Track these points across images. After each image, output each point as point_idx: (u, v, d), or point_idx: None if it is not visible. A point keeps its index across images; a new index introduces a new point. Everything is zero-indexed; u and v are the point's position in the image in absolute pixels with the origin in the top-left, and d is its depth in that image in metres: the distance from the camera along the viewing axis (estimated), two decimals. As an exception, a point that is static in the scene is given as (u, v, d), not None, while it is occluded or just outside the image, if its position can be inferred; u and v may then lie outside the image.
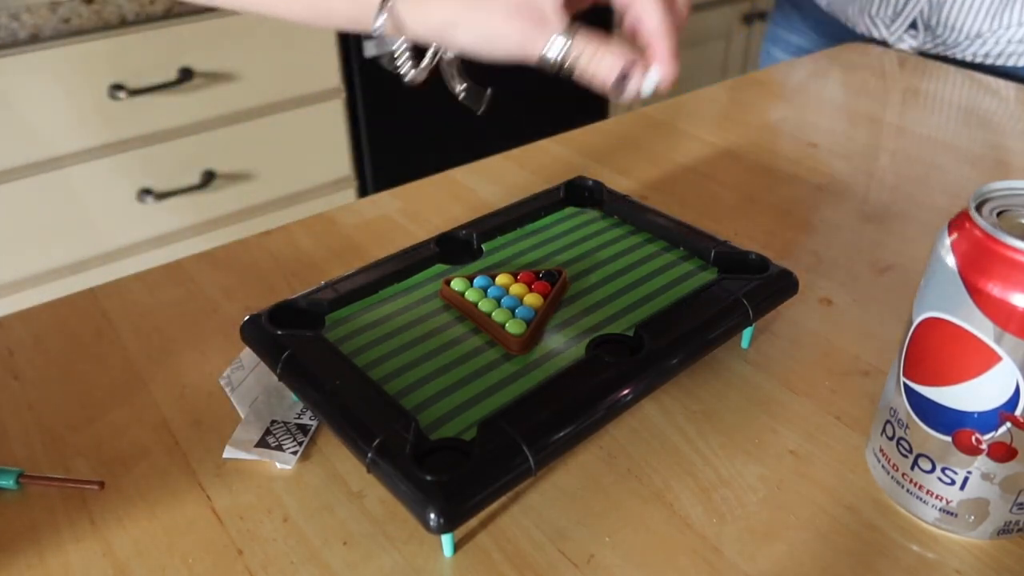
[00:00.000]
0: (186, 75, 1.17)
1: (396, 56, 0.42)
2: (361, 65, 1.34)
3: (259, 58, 1.24)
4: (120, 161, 1.18)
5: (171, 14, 1.13)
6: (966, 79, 0.92)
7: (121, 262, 1.24)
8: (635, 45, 0.42)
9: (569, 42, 0.38)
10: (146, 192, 1.22)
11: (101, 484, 0.40)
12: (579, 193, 0.59)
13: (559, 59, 0.38)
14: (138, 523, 0.40)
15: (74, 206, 1.17)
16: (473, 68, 0.46)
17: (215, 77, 1.21)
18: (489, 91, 0.46)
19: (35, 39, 1.05)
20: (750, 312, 0.46)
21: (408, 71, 0.43)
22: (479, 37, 0.39)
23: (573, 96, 1.66)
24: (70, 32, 1.07)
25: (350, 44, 1.33)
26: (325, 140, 1.37)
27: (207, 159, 1.26)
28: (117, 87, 1.13)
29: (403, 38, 0.41)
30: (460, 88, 0.45)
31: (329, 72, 1.32)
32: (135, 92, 1.14)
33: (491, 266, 0.52)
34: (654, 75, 0.43)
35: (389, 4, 0.38)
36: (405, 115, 1.44)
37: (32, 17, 1.03)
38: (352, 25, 0.42)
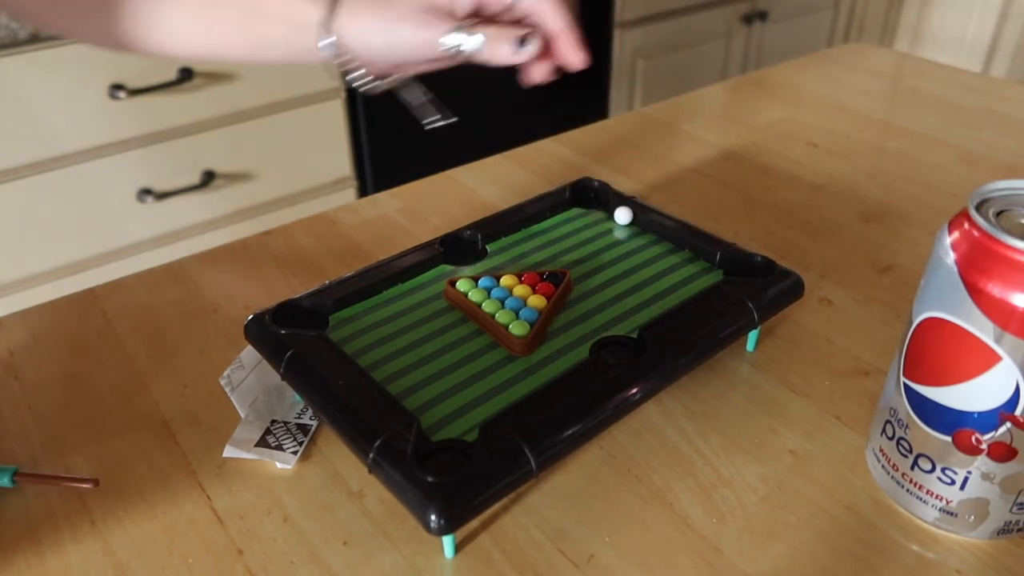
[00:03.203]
0: (186, 75, 1.17)
1: (346, 70, 0.45)
2: (361, 65, 1.34)
3: (259, 58, 1.24)
4: (120, 161, 1.18)
5: (171, 14, 1.13)
6: (966, 79, 0.92)
7: (121, 262, 1.24)
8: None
9: (466, 33, 0.42)
10: (146, 192, 1.22)
11: (96, 482, 0.40)
12: (585, 194, 0.59)
13: (460, 48, 0.42)
14: (138, 523, 0.40)
15: (74, 206, 1.17)
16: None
17: (215, 77, 1.21)
18: (438, 119, 0.52)
19: (35, 39, 1.05)
20: (755, 315, 0.46)
21: (364, 83, 0.46)
22: (386, 40, 0.43)
23: (573, 96, 1.67)
24: (70, 32, 1.07)
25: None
26: (325, 140, 1.37)
27: (207, 159, 1.26)
28: (117, 87, 1.13)
29: (347, 56, 0.44)
30: (415, 101, 0.49)
31: (329, 72, 1.32)
32: (135, 92, 1.14)
33: (496, 267, 0.52)
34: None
35: (334, 25, 0.42)
36: (405, 115, 1.44)
37: (32, 17, 1.03)
38: (290, 54, 0.44)
